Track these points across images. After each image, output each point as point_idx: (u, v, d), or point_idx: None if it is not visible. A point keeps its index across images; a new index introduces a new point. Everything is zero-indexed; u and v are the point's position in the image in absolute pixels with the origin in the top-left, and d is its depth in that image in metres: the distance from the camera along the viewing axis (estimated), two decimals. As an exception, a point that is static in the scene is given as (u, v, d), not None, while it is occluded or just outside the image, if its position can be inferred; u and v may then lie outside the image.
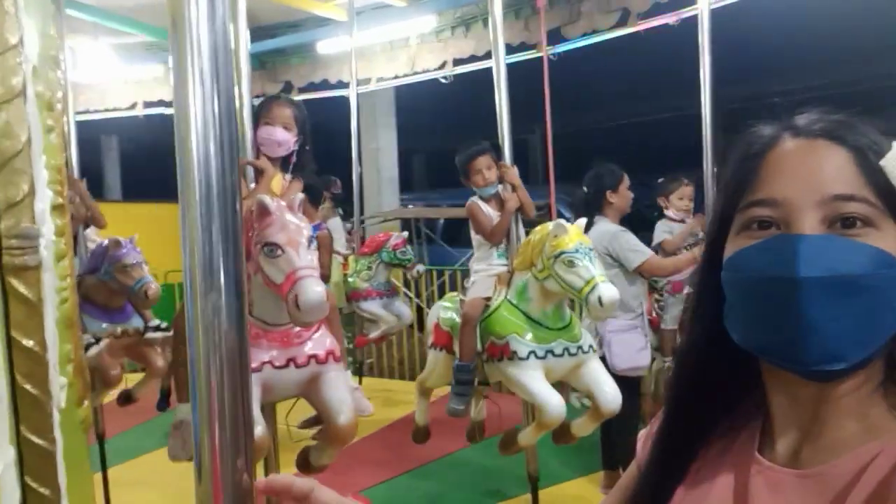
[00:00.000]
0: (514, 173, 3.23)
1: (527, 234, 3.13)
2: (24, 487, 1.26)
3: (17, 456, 1.24)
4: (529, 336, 2.87)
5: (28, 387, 1.24)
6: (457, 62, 6.48)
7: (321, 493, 0.73)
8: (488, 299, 3.13)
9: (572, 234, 2.79)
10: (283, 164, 2.73)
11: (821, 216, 0.65)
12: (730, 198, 0.71)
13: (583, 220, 2.94)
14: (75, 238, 3.90)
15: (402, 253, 4.76)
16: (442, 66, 6.59)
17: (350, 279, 4.82)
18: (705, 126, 3.49)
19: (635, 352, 3.59)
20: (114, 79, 7.24)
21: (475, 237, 3.48)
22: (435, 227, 10.02)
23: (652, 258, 3.66)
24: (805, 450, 0.68)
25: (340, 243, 5.31)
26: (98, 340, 3.48)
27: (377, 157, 8.15)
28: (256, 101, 7.54)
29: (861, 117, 0.69)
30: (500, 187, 3.31)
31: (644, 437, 0.85)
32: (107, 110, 7.60)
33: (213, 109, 0.73)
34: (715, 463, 0.75)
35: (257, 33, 7.05)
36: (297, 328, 2.29)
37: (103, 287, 3.50)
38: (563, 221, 2.85)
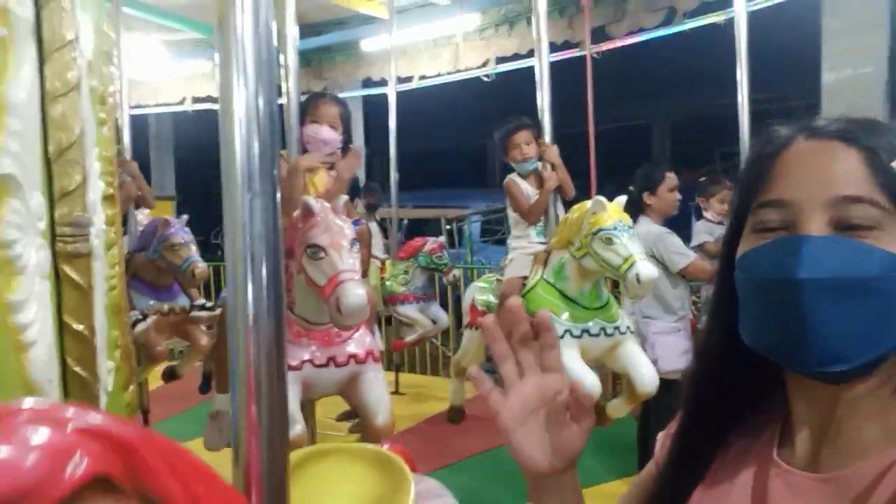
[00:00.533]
0: (553, 152, 3.21)
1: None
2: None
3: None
4: (565, 315, 2.86)
5: (78, 369, 1.29)
6: (499, 60, 6.47)
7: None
8: (525, 278, 3.13)
9: (611, 211, 2.76)
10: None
11: (828, 218, 0.65)
12: (744, 198, 0.72)
13: (622, 198, 2.91)
14: (126, 217, 4.03)
15: (439, 258, 4.81)
16: (484, 65, 6.58)
17: (387, 283, 4.88)
18: (742, 126, 3.45)
19: (679, 354, 3.54)
20: (165, 75, 7.42)
21: (512, 215, 3.47)
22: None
23: (696, 261, 3.61)
24: (824, 453, 0.68)
25: (378, 248, 5.38)
26: (145, 317, 3.58)
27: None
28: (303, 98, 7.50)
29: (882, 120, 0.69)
30: (538, 165, 3.29)
31: (663, 438, 0.85)
32: (157, 105, 7.81)
33: (257, 106, 0.76)
34: (734, 464, 0.75)
35: (303, 31, 7.14)
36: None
37: (151, 265, 3.60)
38: (602, 198, 2.82)
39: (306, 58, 7.30)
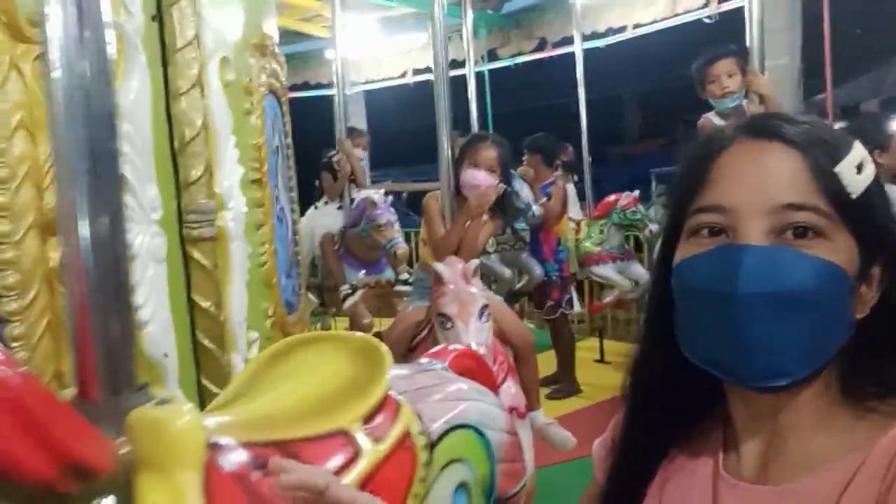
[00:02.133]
0: (763, 82, 2.71)
1: None
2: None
3: (199, 401, 1.45)
4: None
5: (206, 342, 1.43)
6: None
7: (338, 490, 0.72)
8: None
9: None
10: None
11: (769, 225, 0.62)
12: (681, 200, 0.69)
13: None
14: (342, 193, 4.38)
15: (633, 213, 4.51)
16: (706, 5, 5.96)
17: (583, 244, 4.71)
18: None
19: None
20: (388, 50, 7.85)
21: None
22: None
23: None
24: (773, 465, 0.66)
25: (575, 209, 5.23)
26: (354, 291, 3.90)
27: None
28: (511, 62, 7.47)
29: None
30: (744, 101, 2.83)
31: (598, 449, 0.83)
32: (383, 80, 8.31)
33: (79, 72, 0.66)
34: (684, 476, 0.73)
35: (514, -9, 7.09)
36: None
37: (361, 242, 3.89)
38: None
39: (516, 18, 7.23)
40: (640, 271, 4.74)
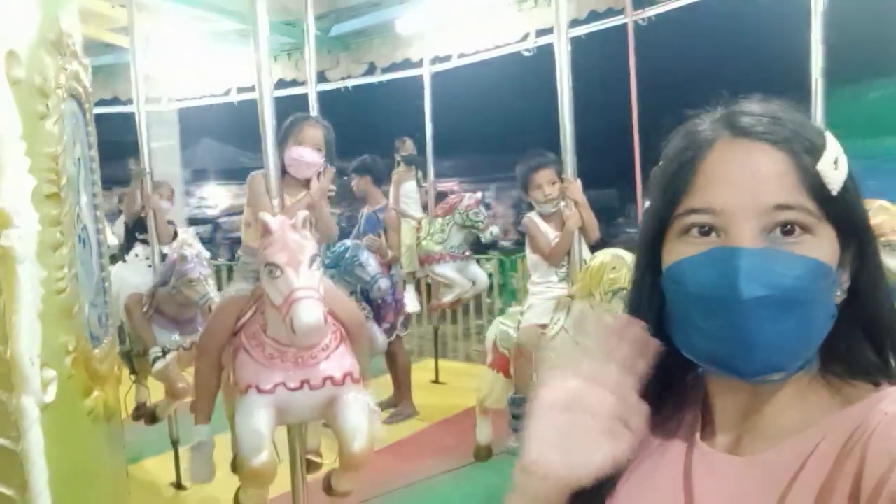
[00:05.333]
0: (577, 188, 2.98)
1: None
2: (-17, 488, 1.23)
3: (-24, 455, 1.20)
4: None
5: (-18, 386, 1.20)
6: (540, 33, 6.18)
7: None
8: (544, 326, 2.94)
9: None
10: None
11: (760, 225, 0.65)
12: (667, 201, 0.70)
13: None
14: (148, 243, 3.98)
15: (476, 214, 4.61)
16: (524, 39, 6.31)
17: (423, 242, 4.72)
18: None
19: None
20: (210, 66, 7.44)
21: (531, 256, 3.32)
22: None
23: None
24: (746, 437, 0.71)
25: (415, 207, 5.25)
26: (165, 353, 3.53)
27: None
28: (343, 84, 7.40)
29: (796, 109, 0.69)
30: (562, 205, 3.09)
31: None
32: (203, 97, 7.87)
33: None
34: (660, 446, 0.76)
35: (342, 15, 7.04)
36: (314, 348, 2.21)
37: (172, 300, 3.54)
38: (622, 253, 2.57)
39: (345, 42, 7.20)
40: (478, 272, 4.82)
